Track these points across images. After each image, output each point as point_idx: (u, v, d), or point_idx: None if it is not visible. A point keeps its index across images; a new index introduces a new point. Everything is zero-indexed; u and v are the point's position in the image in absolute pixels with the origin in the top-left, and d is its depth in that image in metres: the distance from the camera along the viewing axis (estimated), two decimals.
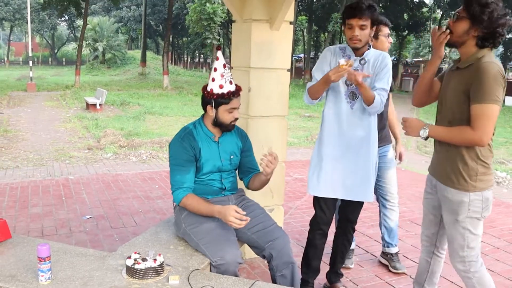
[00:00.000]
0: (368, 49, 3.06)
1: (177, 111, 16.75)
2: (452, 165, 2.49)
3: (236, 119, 2.85)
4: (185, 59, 68.24)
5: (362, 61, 3.03)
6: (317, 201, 3.24)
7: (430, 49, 40.83)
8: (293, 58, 40.48)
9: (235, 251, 2.59)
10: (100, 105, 16.12)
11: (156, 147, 9.70)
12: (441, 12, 36.76)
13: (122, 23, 55.84)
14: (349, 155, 3.08)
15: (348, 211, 3.33)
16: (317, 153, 3.18)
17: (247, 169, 3.06)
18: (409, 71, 41.62)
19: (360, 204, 3.29)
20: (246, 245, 3.06)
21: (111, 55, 44.99)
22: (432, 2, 37.99)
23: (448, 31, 2.46)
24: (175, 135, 2.89)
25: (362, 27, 2.88)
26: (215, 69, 2.77)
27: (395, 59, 41.63)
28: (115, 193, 5.96)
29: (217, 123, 2.83)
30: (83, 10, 28.36)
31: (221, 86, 2.74)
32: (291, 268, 2.77)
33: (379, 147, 3.80)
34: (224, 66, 2.77)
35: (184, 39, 61.00)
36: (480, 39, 2.40)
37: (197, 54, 63.62)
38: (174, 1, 35.84)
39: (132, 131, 11.69)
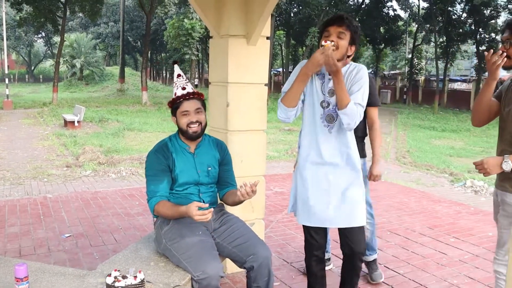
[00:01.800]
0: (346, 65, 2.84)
1: (157, 127, 16.69)
2: None
3: (197, 122, 2.85)
4: (164, 74, 68.08)
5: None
6: (306, 228, 3.05)
7: (406, 61, 41.49)
8: (271, 72, 40.73)
9: (217, 264, 2.59)
10: (78, 122, 15.97)
11: (136, 163, 9.63)
12: (416, 25, 37.41)
13: (100, 40, 55.53)
14: (333, 185, 2.85)
15: (349, 240, 2.97)
16: (299, 179, 2.96)
17: (224, 183, 3.08)
18: (386, 83, 42.15)
19: (359, 230, 2.96)
20: (227, 260, 3.06)
21: (89, 72, 44.68)
22: (407, 16, 38.65)
23: (504, 54, 2.53)
24: (151, 150, 2.94)
25: (340, 36, 2.71)
26: (173, 83, 2.95)
27: (372, 72, 42.18)
28: (95, 211, 5.90)
29: (180, 130, 2.91)
30: (60, 27, 28.15)
31: (175, 94, 2.89)
32: (267, 281, 2.80)
33: None
34: (178, 76, 2.92)
35: (162, 54, 60.92)
36: None
37: None
38: (152, 17, 35.82)
39: (111, 148, 11.60)
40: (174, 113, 2.90)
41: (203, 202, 2.92)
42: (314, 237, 3.03)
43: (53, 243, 4.76)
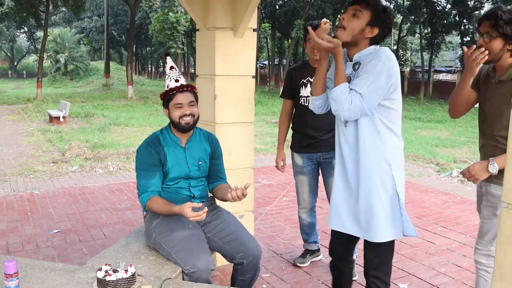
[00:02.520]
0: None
1: (143, 121, 16.60)
2: None
3: (190, 115, 2.80)
4: (150, 69, 67.73)
5: (356, 66, 2.44)
6: (331, 231, 2.77)
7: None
8: (257, 65, 40.68)
9: (207, 257, 2.60)
10: (63, 117, 15.81)
11: (123, 158, 9.57)
12: (401, 17, 37.54)
13: (84, 34, 55.01)
14: (351, 181, 2.52)
15: (368, 256, 2.61)
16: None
17: (214, 176, 3.07)
18: None
19: (380, 246, 2.52)
20: (217, 253, 3.06)
21: (74, 67, 44.26)
22: (392, 7, 38.75)
23: (486, 51, 2.47)
24: (142, 143, 2.91)
25: (356, 14, 2.37)
26: (166, 75, 2.90)
27: None
28: (83, 206, 5.86)
29: (172, 123, 2.87)
30: (43, 21, 27.81)
31: (167, 86, 2.84)
32: (253, 276, 2.83)
33: (324, 151, 3.74)
34: (171, 68, 2.88)
35: (148, 48, 60.50)
36: None
37: (162, 64, 63.17)
38: (137, 11, 35.55)
39: (97, 143, 11.51)
40: (166, 105, 2.86)
41: (194, 196, 2.92)
42: (334, 243, 2.81)
43: (42, 239, 4.73)
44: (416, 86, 33.16)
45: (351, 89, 2.34)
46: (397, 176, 2.46)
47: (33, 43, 63.12)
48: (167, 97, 2.84)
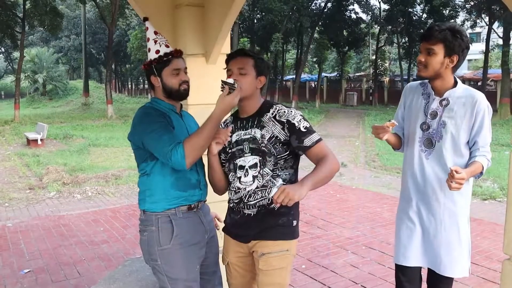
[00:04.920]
0: (455, 86, 2.56)
1: (123, 141, 16.31)
2: None
3: (186, 82, 2.50)
4: (130, 86, 67.30)
5: (444, 102, 2.57)
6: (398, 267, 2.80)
7: (371, 63, 41.91)
8: None
9: None
10: (41, 140, 15.51)
11: (102, 181, 9.36)
12: (378, 27, 37.92)
13: (62, 53, 54.51)
14: (428, 216, 2.64)
15: None
16: (399, 210, 2.84)
17: None
18: (352, 85, 42.57)
19: (448, 282, 2.69)
20: None
21: (52, 86, 43.76)
22: (369, 18, 39.12)
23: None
24: (137, 112, 2.46)
25: (429, 53, 2.47)
26: (148, 39, 2.52)
27: (338, 75, 42.51)
28: (57, 241, 5.60)
29: (167, 91, 2.47)
30: (19, 42, 27.45)
31: (157, 52, 2.46)
32: None
33: None
34: (156, 33, 2.52)
35: (127, 66, 60.20)
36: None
37: (141, 81, 62.91)
38: (115, 29, 35.33)
39: (76, 166, 11.26)
40: (158, 73, 2.45)
41: (198, 175, 2.53)
42: (402, 280, 2.79)
43: (11, 281, 4.46)
44: (396, 96, 33.31)
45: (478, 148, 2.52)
46: None
47: (10, 64, 62.35)
48: (160, 64, 2.45)
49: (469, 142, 2.54)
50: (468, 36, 2.48)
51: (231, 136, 2.45)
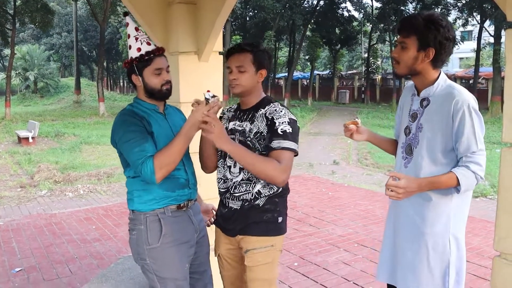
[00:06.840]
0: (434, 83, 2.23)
1: None
2: None
3: (168, 82, 2.44)
4: (121, 84, 66.99)
5: (424, 102, 2.26)
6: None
7: (363, 61, 42.04)
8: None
9: None
10: (33, 138, 15.41)
11: (94, 180, 9.35)
12: (371, 25, 37.99)
13: (53, 51, 54.15)
14: (397, 231, 2.40)
15: None
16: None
17: None
18: (344, 83, 42.64)
19: None
20: None
21: (44, 84, 43.43)
22: (361, 16, 39.22)
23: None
24: (116, 117, 2.40)
25: (402, 47, 2.21)
26: (129, 36, 2.44)
27: (330, 73, 42.56)
28: (49, 239, 5.58)
29: (148, 91, 2.40)
30: (10, 39, 27.25)
31: (138, 49, 2.37)
32: None
33: None
34: (137, 29, 2.45)
35: (119, 63, 59.92)
36: None
37: None
38: (106, 26, 35.17)
39: (67, 164, 11.21)
40: (140, 72, 2.38)
41: (189, 180, 2.51)
42: None
43: (2, 279, 4.43)
44: (388, 94, 33.44)
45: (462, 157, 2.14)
46: None
47: (1, 61, 61.91)
48: (141, 63, 2.38)
49: (454, 149, 2.16)
50: (451, 25, 2.17)
51: (228, 123, 2.49)
